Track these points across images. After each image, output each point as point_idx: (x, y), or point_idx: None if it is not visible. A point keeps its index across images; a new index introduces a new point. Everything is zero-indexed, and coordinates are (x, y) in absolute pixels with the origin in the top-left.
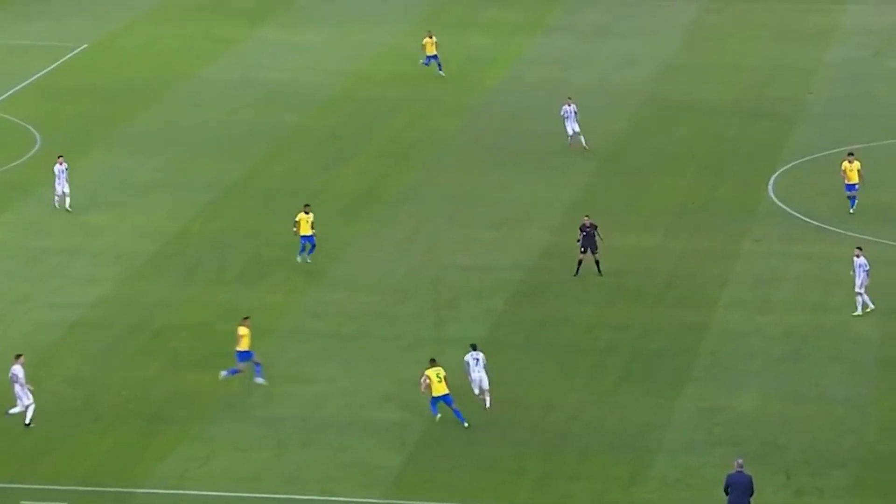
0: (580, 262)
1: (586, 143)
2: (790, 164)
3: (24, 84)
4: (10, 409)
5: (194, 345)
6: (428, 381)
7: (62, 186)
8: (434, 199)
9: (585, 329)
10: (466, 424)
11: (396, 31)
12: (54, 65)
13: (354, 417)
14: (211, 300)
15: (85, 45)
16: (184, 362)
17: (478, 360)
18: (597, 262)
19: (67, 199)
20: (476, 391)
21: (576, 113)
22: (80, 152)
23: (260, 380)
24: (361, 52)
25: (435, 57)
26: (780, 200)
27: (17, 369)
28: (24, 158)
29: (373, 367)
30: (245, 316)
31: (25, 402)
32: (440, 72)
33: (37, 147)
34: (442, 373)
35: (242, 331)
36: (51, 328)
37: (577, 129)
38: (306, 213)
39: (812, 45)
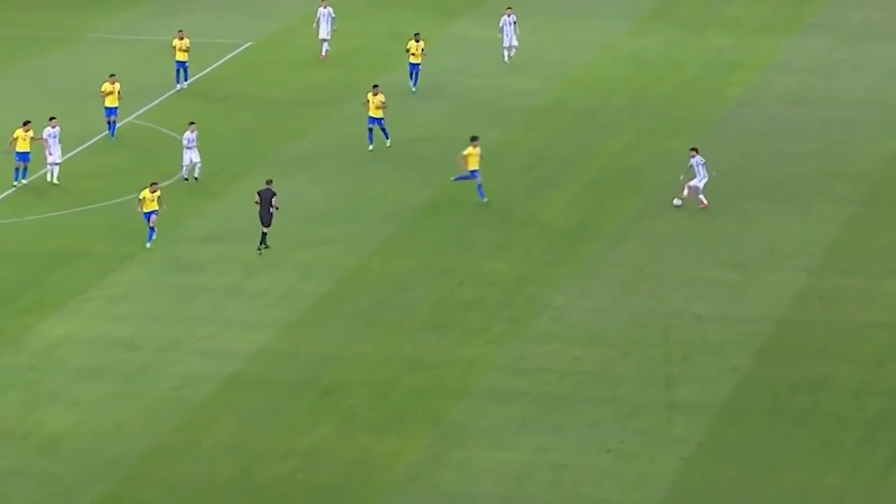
0: None
1: (511, 56)
2: None
3: (175, 89)
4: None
5: (373, 404)
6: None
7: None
8: (662, 234)
9: (850, 395)
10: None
11: (617, 28)
12: (213, 66)
13: (565, 496)
14: (393, 352)
15: (249, 43)
16: (361, 426)
17: None
18: None
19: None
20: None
21: (515, 23)
22: (238, 173)
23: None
24: (574, 54)
25: (416, 67)
26: None
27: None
28: (176, 178)
29: (587, 437)
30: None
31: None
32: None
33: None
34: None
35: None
36: (203, 383)
37: (516, 43)
38: None
39: None
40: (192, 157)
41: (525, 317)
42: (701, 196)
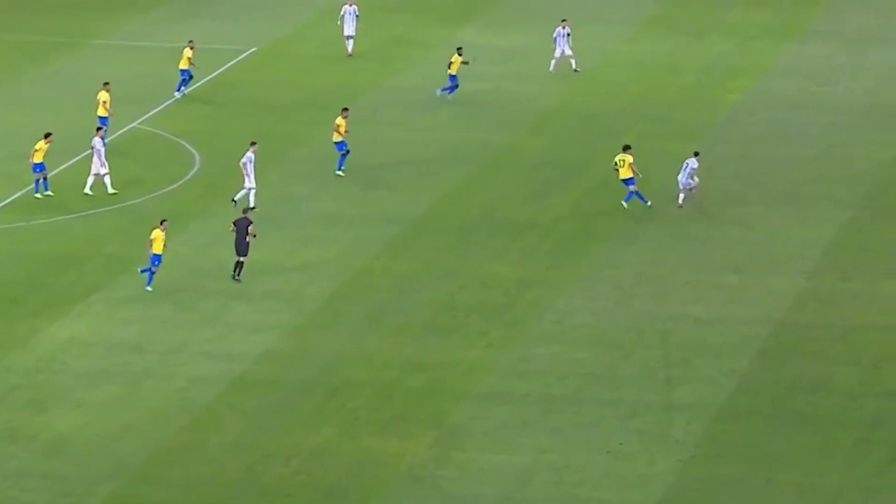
0: None
1: (576, 65)
2: None
3: (174, 99)
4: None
5: (376, 406)
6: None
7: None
8: (663, 237)
9: (848, 396)
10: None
11: (619, 34)
12: (217, 72)
13: (566, 497)
14: (395, 353)
15: (254, 49)
16: (364, 427)
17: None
18: None
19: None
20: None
21: (568, 35)
22: (243, 177)
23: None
24: (578, 60)
25: (453, 79)
26: None
27: None
28: (181, 183)
29: (588, 438)
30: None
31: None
32: (448, 93)
33: (195, 169)
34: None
35: (156, 234)
36: (209, 384)
37: (570, 52)
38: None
39: None
40: (249, 180)
41: (526, 319)
42: (682, 194)
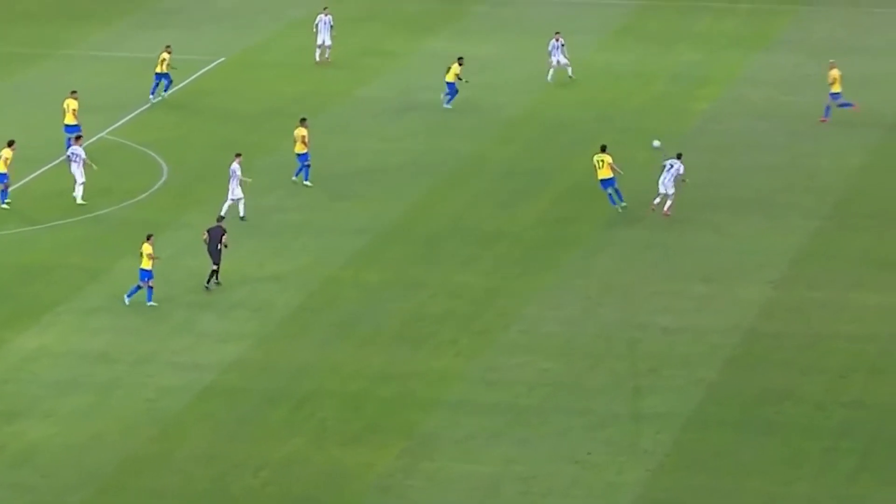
0: None
1: (571, 72)
2: None
3: (150, 104)
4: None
5: (345, 416)
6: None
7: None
8: (631, 246)
9: (815, 405)
10: None
11: (589, 43)
12: (185, 81)
13: None
14: (364, 363)
15: (222, 59)
16: (333, 437)
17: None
18: None
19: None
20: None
21: (563, 46)
22: (211, 187)
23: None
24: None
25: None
26: None
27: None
28: (149, 193)
29: (556, 447)
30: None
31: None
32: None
33: (163, 180)
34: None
35: (147, 248)
36: (177, 394)
37: (565, 60)
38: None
39: None
40: (236, 191)
41: (495, 329)
42: (657, 200)
